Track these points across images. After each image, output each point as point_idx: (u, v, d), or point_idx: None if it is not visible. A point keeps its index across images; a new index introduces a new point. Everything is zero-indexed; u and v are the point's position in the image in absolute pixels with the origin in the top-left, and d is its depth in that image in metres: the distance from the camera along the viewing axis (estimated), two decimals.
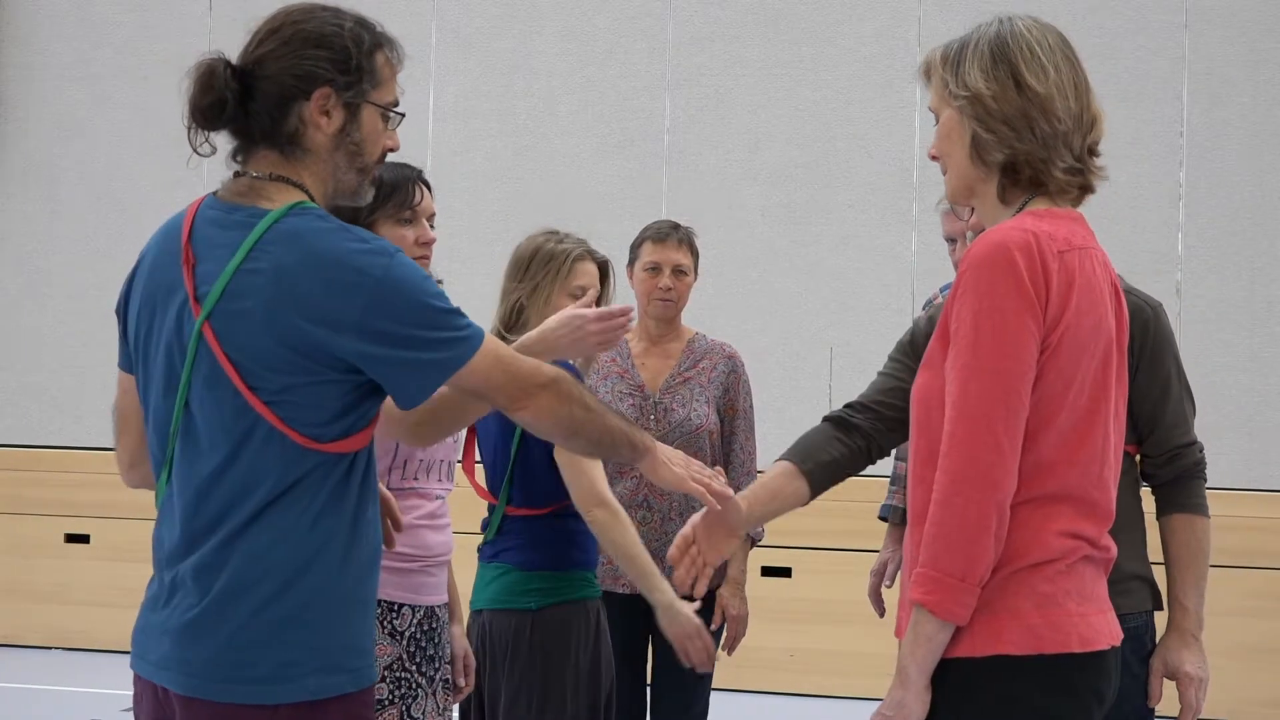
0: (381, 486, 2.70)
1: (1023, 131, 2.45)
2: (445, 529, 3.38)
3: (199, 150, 2.49)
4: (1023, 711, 2.35)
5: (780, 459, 3.10)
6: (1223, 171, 7.58)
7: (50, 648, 8.18)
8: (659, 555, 4.36)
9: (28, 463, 8.43)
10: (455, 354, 2.42)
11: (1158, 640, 3.20)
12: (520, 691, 3.57)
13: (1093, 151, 2.51)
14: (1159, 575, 3.24)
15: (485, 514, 3.76)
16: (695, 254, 4.63)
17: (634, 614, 4.35)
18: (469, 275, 7.66)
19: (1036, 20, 2.51)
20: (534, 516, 3.65)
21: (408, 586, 3.27)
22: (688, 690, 4.43)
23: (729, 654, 4.49)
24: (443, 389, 2.48)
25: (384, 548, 2.60)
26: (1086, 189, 2.52)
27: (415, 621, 3.28)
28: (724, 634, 4.52)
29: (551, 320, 3.00)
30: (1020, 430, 2.35)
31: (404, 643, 3.25)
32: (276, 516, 2.39)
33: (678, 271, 4.55)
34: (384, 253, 2.39)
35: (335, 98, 2.47)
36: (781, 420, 6.99)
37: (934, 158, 2.57)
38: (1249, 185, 7.58)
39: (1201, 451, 3.25)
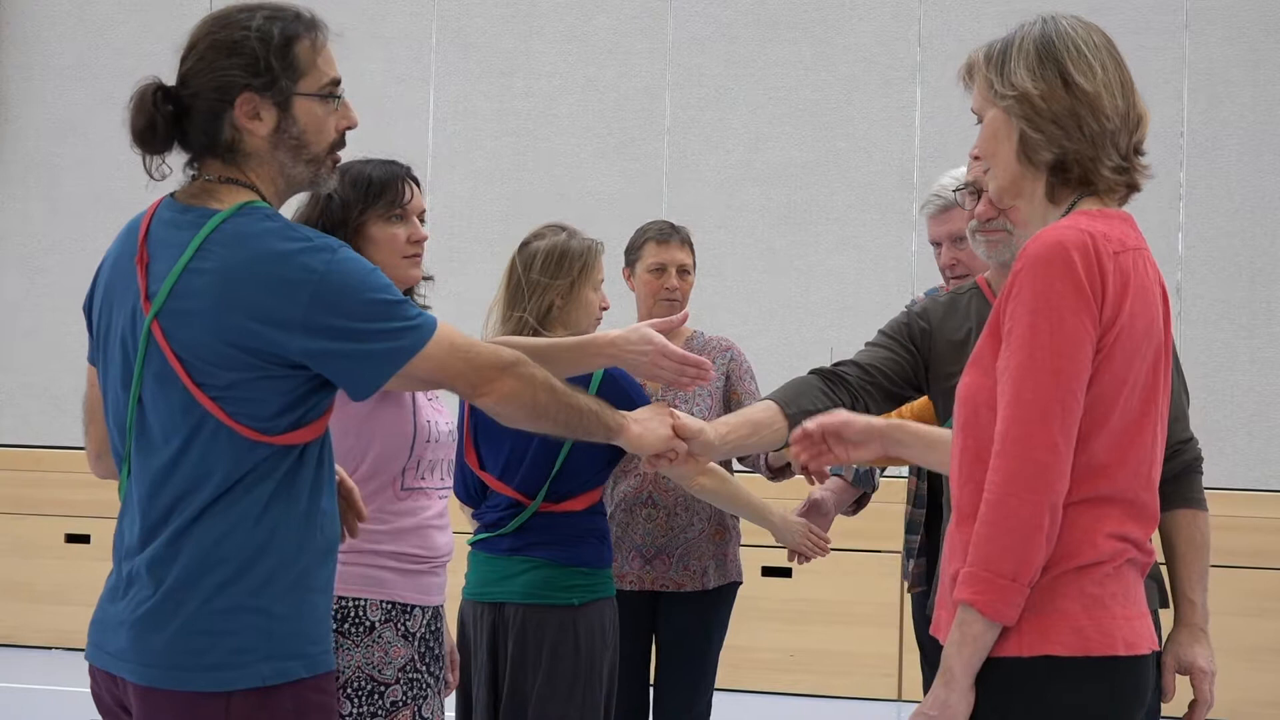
0: (346, 477, 2.73)
1: (1071, 130, 2.44)
2: (448, 528, 3.39)
3: (154, 175, 2.52)
4: (1067, 713, 2.34)
5: (766, 398, 3.16)
6: (1223, 172, 7.58)
7: (50, 648, 8.18)
8: (666, 552, 4.41)
9: (28, 463, 8.43)
10: (405, 344, 2.43)
11: (1165, 636, 3.21)
12: (558, 686, 3.58)
13: (1138, 150, 2.50)
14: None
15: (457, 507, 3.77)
16: (694, 253, 4.65)
17: (640, 612, 4.36)
18: (468, 276, 7.66)
19: (1080, 19, 2.50)
20: (572, 513, 3.68)
21: (419, 588, 3.26)
22: (689, 690, 4.43)
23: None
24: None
25: (347, 537, 2.65)
26: (1133, 187, 2.51)
27: (425, 622, 3.27)
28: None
29: (631, 334, 3.10)
30: (1074, 431, 2.34)
31: (416, 644, 3.24)
32: (227, 508, 2.42)
33: (682, 271, 4.57)
34: (326, 249, 2.41)
35: (259, 100, 2.49)
36: None
37: (976, 157, 2.56)
38: (1249, 186, 7.58)
39: (1198, 447, 3.26)
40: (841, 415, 2.91)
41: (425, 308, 2.55)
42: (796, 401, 3.08)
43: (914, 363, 3.30)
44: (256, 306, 2.38)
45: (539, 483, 3.67)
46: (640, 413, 3.01)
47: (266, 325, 2.38)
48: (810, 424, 2.84)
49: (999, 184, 2.53)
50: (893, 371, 3.36)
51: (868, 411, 3.38)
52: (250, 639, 2.42)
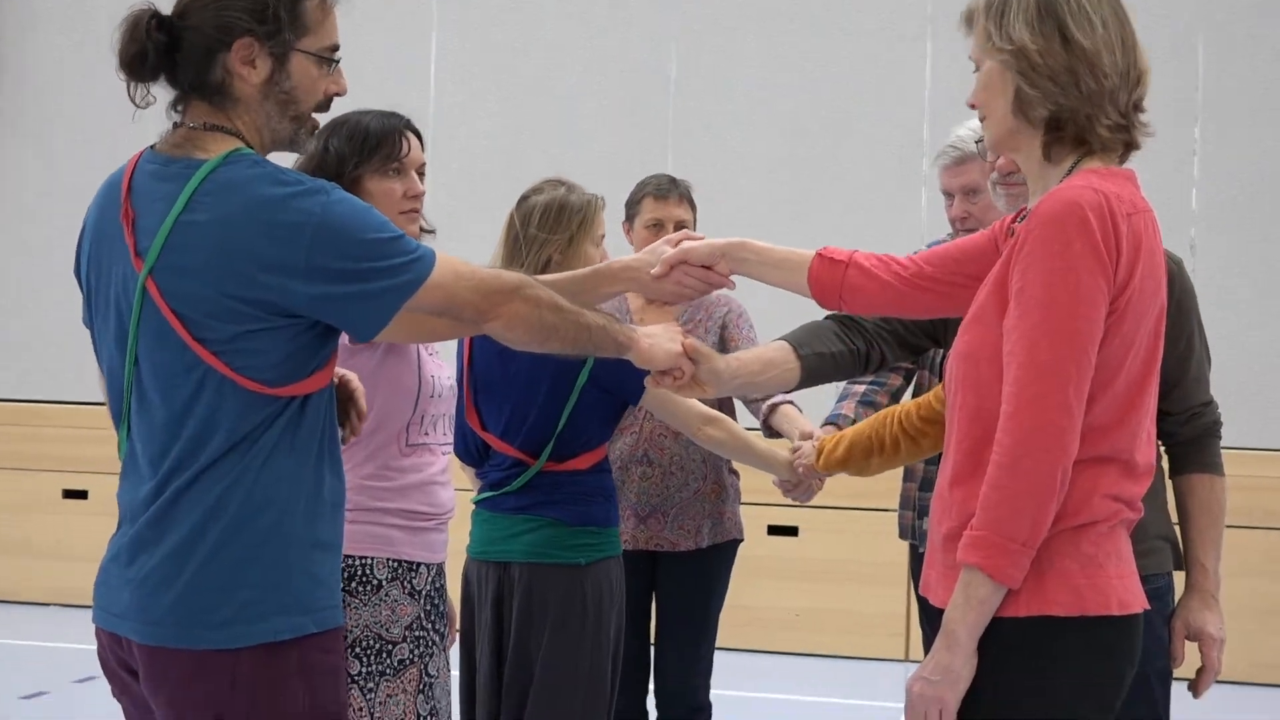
0: (350, 375, 2.75)
1: (1068, 88, 2.44)
2: (451, 484, 3.40)
3: (138, 103, 2.51)
4: (1062, 671, 2.37)
5: (778, 339, 3.18)
6: (1237, 128, 7.57)
7: (48, 604, 8.23)
8: (660, 510, 4.41)
9: (25, 418, 8.46)
10: (408, 278, 2.44)
11: (1177, 601, 3.23)
12: (566, 646, 3.59)
13: (1138, 107, 2.50)
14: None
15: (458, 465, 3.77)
16: (694, 209, 4.63)
17: (639, 571, 4.37)
18: (467, 240, 7.66)
19: None
20: (576, 472, 3.68)
21: (424, 545, 3.28)
22: (690, 649, 4.45)
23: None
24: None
25: (349, 437, 2.67)
26: (1131, 145, 2.51)
27: (430, 579, 3.30)
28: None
29: (647, 255, 3.08)
30: (1086, 392, 2.36)
31: (421, 601, 3.26)
32: (230, 463, 2.43)
33: (680, 228, 4.52)
34: (320, 190, 2.41)
35: (259, 47, 2.48)
36: None
37: (972, 106, 2.56)
38: (1264, 142, 7.56)
39: (1218, 410, 3.27)
40: (683, 245, 3.00)
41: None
42: (810, 343, 3.08)
43: None
44: (256, 255, 2.37)
45: (542, 442, 3.67)
46: (651, 329, 3.04)
47: (268, 273, 2.38)
48: (663, 262, 2.98)
49: (993, 135, 2.54)
50: (911, 321, 3.37)
51: (883, 361, 3.39)
52: (259, 593, 2.43)
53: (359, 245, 2.40)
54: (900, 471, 4.45)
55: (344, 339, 2.69)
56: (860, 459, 3.45)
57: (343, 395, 2.73)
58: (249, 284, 2.38)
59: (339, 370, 2.70)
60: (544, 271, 3.63)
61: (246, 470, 2.43)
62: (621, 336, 2.86)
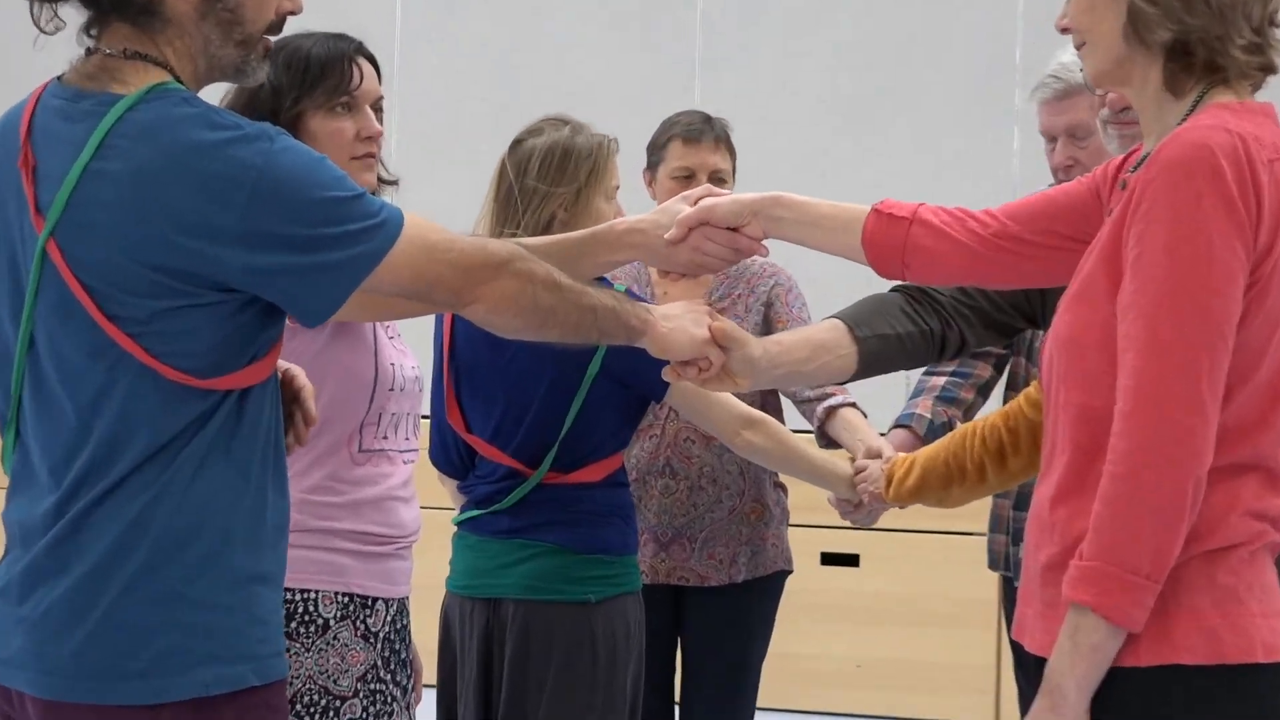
0: (295, 370, 2.76)
1: (1195, 2, 2.44)
2: (415, 501, 3.43)
3: (43, 26, 2.52)
4: None
5: (831, 316, 3.19)
6: None
7: None
8: (687, 534, 4.43)
9: None
10: (368, 249, 2.45)
11: None
12: (571, 703, 3.61)
13: (1273, 21, 2.50)
14: None
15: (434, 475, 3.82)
16: (733, 155, 4.65)
17: (661, 611, 4.38)
18: (445, 186, 7.65)
19: None
20: (586, 485, 3.71)
21: (381, 575, 3.29)
22: (723, 708, 4.48)
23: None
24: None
25: (294, 447, 2.69)
26: (1268, 69, 2.52)
27: (389, 619, 3.31)
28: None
29: (660, 214, 3.10)
30: (1222, 385, 2.36)
31: (378, 646, 3.28)
32: (152, 474, 2.43)
33: (715, 179, 4.54)
34: (262, 136, 2.42)
35: None
36: None
37: (1065, 30, 2.56)
38: None
39: None
40: (704, 202, 3.01)
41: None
42: (870, 322, 3.10)
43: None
44: (180, 214, 2.37)
45: (543, 447, 3.69)
46: (671, 308, 3.05)
47: (194, 238, 2.38)
48: (678, 222, 3.01)
49: (1097, 66, 2.55)
50: (999, 293, 3.36)
51: (963, 345, 3.38)
52: (187, 637, 2.43)
53: (308, 206, 2.41)
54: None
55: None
56: (937, 489, 3.48)
57: (285, 395, 2.73)
58: (171, 250, 2.38)
59: (281, 363, 2.71)
60: (546, 231, 3.66)
61: (172, 482, 2.43)
62: (634, 320, 2.88)
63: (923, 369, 4.23)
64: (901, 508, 3.64)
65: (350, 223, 2.43)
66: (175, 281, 2.40)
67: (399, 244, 2.47)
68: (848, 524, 3.93)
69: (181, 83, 2.50)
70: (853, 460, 3.77)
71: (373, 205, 2.47)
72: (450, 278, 2.54)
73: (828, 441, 4.21)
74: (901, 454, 3.68)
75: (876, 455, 3.76)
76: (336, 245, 2.43)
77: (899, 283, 3.12)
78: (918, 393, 4.24)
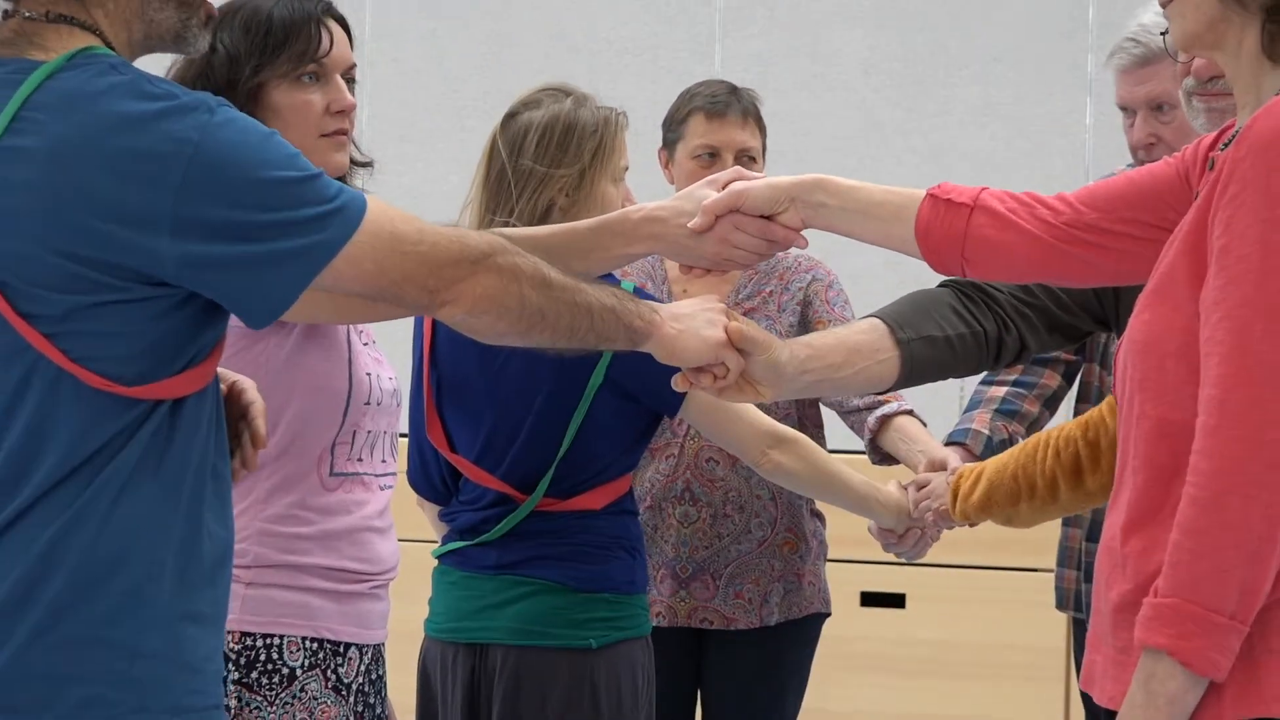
0: (244, 382, 2.76)
1: None
2: (392, 532, 3.44)
3: None
4: None
5: (870, 315, 3.16)
6: None
7: None
8: (710, 570, 4.42)
9: None
10: (324, 238, 2.45)
11: None
12: None
13: None
14: None
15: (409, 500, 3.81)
16: (763, 131, 4.67)
17: (678, 658, 4.43)
18: (427, 165, 7.66)
19: None
20: (587, 513, 3.71)
21: (355, 618, 3.31)
22: None
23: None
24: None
25: (241, 473, 2.69)
26: None
27: (362, 668, 3.33)
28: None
29: (683, 200, 3.09)
30: None
31: (351, 700, 3.29)
32: (69, 494, 2.43)
33: (743, 159, 4.57)
34: (200, 108, 2.42)
35: None
36: None
37: None
38: None
39: None
40: (734, 187, 3.00)
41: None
42: (915, 322, 3.06)
43: None
44: (104, 197, 2.38)
45: (538, 469, 3.69)
46: (682, 306, 3.04)
47: (120, 224, 2.39)
48: (704, 209, 2.99)
49: (1186, 27, 2.55)
50: (1066, 291, 3.35)
51: (1022, 350, 3.37)
52: (106, 686, 2.43)
53: (253, 187, 2.42)
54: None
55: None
56: (1004, 505, 3.46)
57: (232, 411, 2.74)
58: (93, 238, 2.39)
59: (228, 373, 2.73)
60: (545, 219, 3.65)
61: (91, 507, 2.43)
62: (637, 320, 2.87)
63: (978, 378, 4.21)
64: (971, 525, 3.58)
65: (303, 208, 2.43)
66: (98, 274, 2.40)
67: (360, 234, 2.46)
68: (892, 558, 3.91)
69: (113, 50, 2.51)
70: (919, 487, 3.73)
71: (329, 188, 2.46)
72: (421, 274, 2.52)
73: (881, 456, 4.20)
74: (968, 465, 3.65)
75: (941, 467, 3.75)
76: (286, 234, 2.42)
77: (949, 278, 3.12)
78: (974, 405, 4.22)
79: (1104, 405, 3.34)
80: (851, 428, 4.31)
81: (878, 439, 4.18)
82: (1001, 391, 4.18)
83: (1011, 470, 3.44)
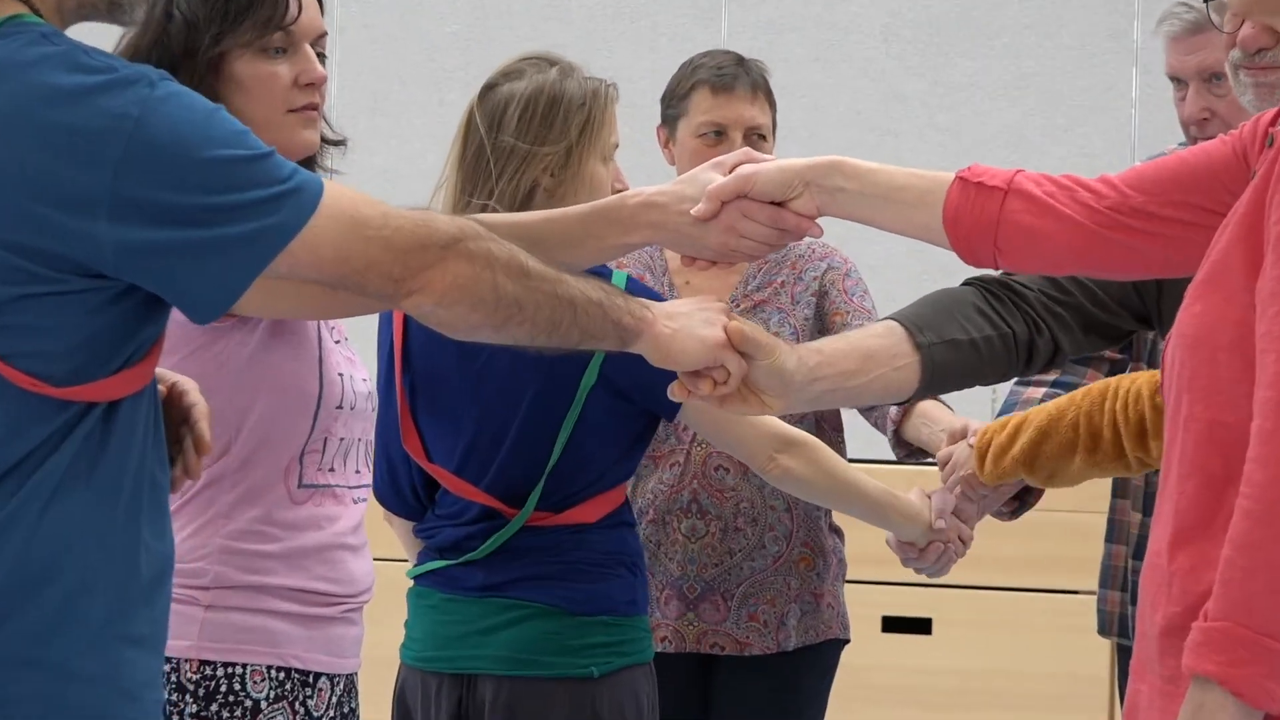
0: (185, 383, 2.77)
1: None
2: (366, 550, 3.44)
3: None
4: None
5: (887, 318, 3.16)
6: None
7: None
8: (720, 589, 4.44)
9: None
10: (276, 222, 2.45)
11: None
12: None
13: None
14: None
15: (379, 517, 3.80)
16: (773, 107, 4.68)
17: (685, 686, 4.45)
18: (401, 142, 7.67)
19: None
20: (582, 527, 3.71)
21: (325, 644, 3.31)
22: None
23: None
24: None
25: (182, 481, 2.69)
26: None
27: (334, 700, 3.33)
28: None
29: (685, 185, 3.08)
30: None
31: None
32: None
33: (752, 138, 4.58)
34: (140, 80, 2.42)
35: None
36: None
37: None
38: None
39: None
40: (742, 170, 2.99)
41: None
42: (936, 325, 3.05)
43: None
44: (34, 179, 2.39)
45: (527, 479, 3.69)
46: (678, 305, 3.03)
47: (54, 207, 2.39)
48: (709, 195, 2.98)
49: None
50: (1103, 285, 3.35)
51: (1055, 352, 3.37)
52: (37, 711, 2.44)
53: (199, 167, 2.42)
54: (1101, 527, 4.46)
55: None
56: (1056, 457, 3.42)
57: (173, 415, 2.75)
58: (23, 223, 2.40)
59: (167, 374, 2.73)
60: (527, 204, 3.64)
61: (19, 514, 2.44)
62: (627, 317, 2.86)
63: (1010, 383, 4.20)
64: (1001, 488, 3.56)
65: (253, 189, 2.43)
66: (28, 263, 2.41)
67: (318, 217, 2.47)
68: (916, 577, 3.90)
69: (42, 18, 2.50)
70: (943, 464, 3.72)
71: (282, 168, 2.46)
72: (386, 261, 2.52)
73: (907, 450, 4.22)
74: (995, 420, 3.63)
75: (962, 436, 3.74)
76: (234, 218, 2.42)
77: (973, 276, 3.12)
78: (1008, 408, 4.21)
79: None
80: (875, 425, 4.31)
81: (902, 430, 4.18)
82: (1039, 393, 4.17)
83: (1071, 418, 3.41)
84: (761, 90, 4.64)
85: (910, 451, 4.18)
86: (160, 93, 2.42)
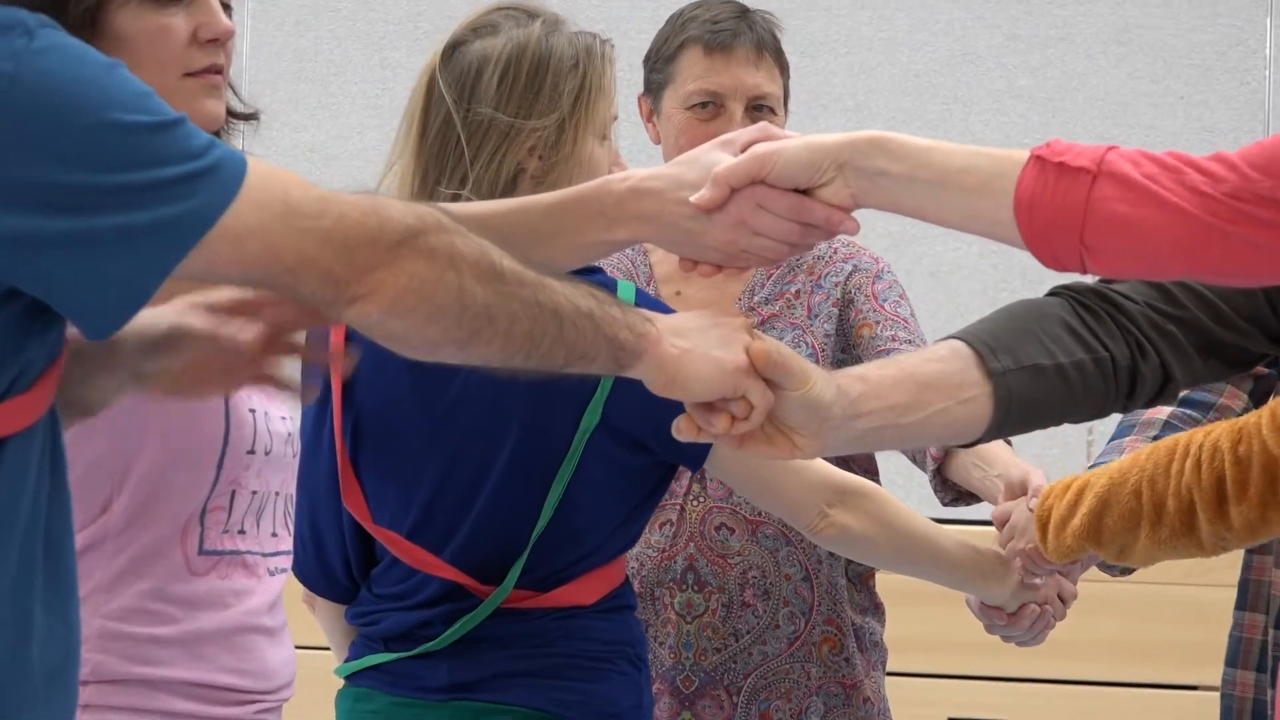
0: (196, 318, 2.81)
1: None
2: (285, 634, 3.47)
3: None
4: None
5: (951, 336, 3.14)
6: None
7: None
8: (723, 680, 4.47)
9: None
10: (191, 208, 2.44)
11: None
12: None
13: None
14: None
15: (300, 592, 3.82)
16: (785, 73, 4.71)
17: None
18: (338, 115, 7.73)
19: None
20: (576, 610, 3.68)
21: None
22: None
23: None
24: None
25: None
26: None
27: None
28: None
29: (684, 168, 3.06)
30: None
31: None
32: None
33: (759, 107, 4.62)
34: (17, 29, 2.43)
35: None
36: None
37: None
38: None
39: None
40: (757, 149, 2.97)
41: None
42: (1013, 346, 3.01)
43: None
44: None
45: (505, 549, 3.64)
46: (687, 319, 2.96)
47: None
48: (715, 179, 2.98)
49: None
50: (1226, 298, 3.37)
51: (1166, 380, 3.37)
52: None
53: (89, 137, 2.41)
54: (1231, 597, 4.50)
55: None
56: (1119, 531, 3.41)
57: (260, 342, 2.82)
58: None
59: (166, 312, 2.78)
60: (509, 193, 3.58)
61: None
62: (624, 332, 2.83)
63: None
64: (1069, 566, 3.53)
65: (160, 166, 2.42)
66: None
67: (240, 202, 2.45)
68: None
69: None
70: (1000, 522, 3.73)
71: (196, 139, 2.45)
72: (325, 258, 2.50)
73: (952, 494, 4.24)
74: (1058, 481, 3.56)
75: (1022, 492, 3.74)
76: (137, 202, 2.41)
77: (1062, 284, 3.12)
78: (1122, 434, 4.19)
79: (1265, 412, 3.27)
80: (913, 460, 4.30)
81: (945, 468, 4.19)
82: (1164, 414, 4.15)
83: (1134, 484, 3.38)
84: (768, 51, 4.65)
85: (956, 498, 4.20)
86: (40, 43, 2.42)
